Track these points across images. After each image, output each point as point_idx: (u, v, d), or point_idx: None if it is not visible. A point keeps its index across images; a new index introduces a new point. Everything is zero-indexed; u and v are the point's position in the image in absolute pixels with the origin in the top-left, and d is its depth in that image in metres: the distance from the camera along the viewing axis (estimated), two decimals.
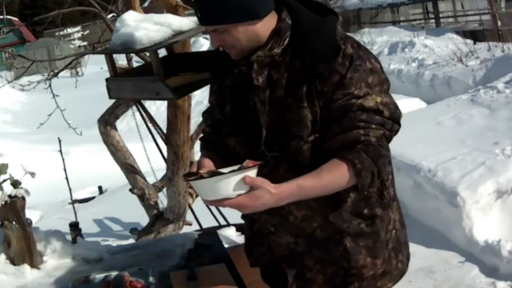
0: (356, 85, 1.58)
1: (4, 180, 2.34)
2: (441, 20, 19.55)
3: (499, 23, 16.74)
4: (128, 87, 3.24)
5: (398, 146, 4.75)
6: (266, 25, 1.64)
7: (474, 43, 13.79)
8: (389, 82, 1.68)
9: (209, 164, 1.70)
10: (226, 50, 1.69)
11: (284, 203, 1.58)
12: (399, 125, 1.65)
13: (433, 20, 19.88)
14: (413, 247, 3.97)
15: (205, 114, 1.93)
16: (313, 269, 1.78)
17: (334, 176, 1.57)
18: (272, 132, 1.67)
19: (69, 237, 2.64)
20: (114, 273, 2.21)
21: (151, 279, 2.11)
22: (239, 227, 3.30)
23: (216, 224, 3.80)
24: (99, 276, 2.18)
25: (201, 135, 1.99)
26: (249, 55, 1.66)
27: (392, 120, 1.62)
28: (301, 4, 1.71)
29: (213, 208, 3.69)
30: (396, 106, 1.65)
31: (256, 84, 1.68)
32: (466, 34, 15.83)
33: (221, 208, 3.80)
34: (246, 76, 1.70)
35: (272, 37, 1.65)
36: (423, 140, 4.91)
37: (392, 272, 1.80)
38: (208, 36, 2.80)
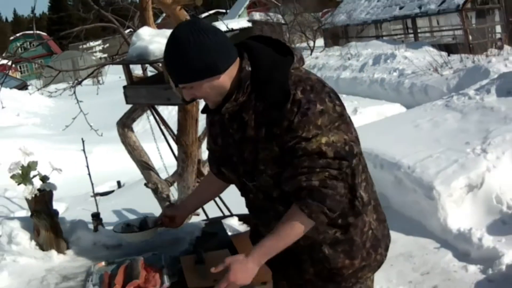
0: (304, 128, 1.55)
1: (34, 176, 2.34)
2: (419, 35, 19.55)
3: (470, 37, 16.77)
4: (143, 94, 3.24)
5: (381, 146, 4.76)
6: (230, 75, 1.63)
7: (448, 55, 13.82)
8: (343, 117, 1.62)
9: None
10: (200, 99, 1.72)
11: (262, 262, 1.67)
12: (347, 160, 1.59)
13: (412, 35, 19.88)
14: (394, 235, 3.96)
15: (208, 139, 1.96)
16: (306, 263, 1.79)
17: (291, 227, 1.63)
18: (249, 166, 1.69)
19: (91, 226, 2.65)
20: (131, 258, 2.21)
21: (163, 262, 2.12)
22: (241, 217, 3.29)
23: (220, 214, 3.78)
24: (118, 260, 2.18)
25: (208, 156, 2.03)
26: (222, 104, 1.66)
27: (338, 159, 1.57)
28: (262, 42, 1.70)
29: (218, 200, 3.68)
30: (345, 143, 1.59)
31: (230, 131, 1.72)
32: (441, 47, 15.84)
33: (225, 200, 3.80)
34: (222, 122, 1.76)
35: (235, 88, 1.63)
36: (403, 140, 4.91)
37: (371, 264, 1.80)
38: None
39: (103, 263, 2.18)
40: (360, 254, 1.75)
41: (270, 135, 1.61)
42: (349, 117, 1.70)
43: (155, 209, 4.43)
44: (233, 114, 1.68)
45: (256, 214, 1.87)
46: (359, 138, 1.73)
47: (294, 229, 1.63)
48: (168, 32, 2.88)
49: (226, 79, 1.63)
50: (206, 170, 3.75)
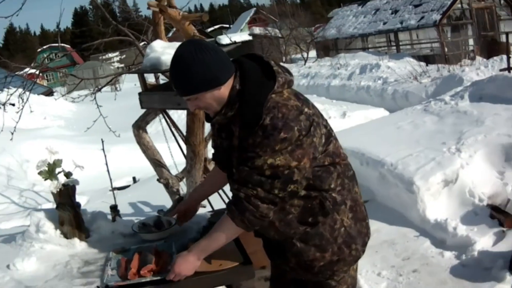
0: (261, 148, 1.59)
1: (59, 172, 2.35)
2: (401, 47, 19.59)
3: (445, 49, 16.81)
4: (156, 99, 3.25)
5: (367, 145, 4.77)
6: (229, 86, 1.66)
7: (427, 65, 13.87)
8: (302, 144, 1.61)
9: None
10: (204, 110, 1.75)
11: (201, 257, 1.81)
12: (282, 181, 1.61)
13: (394, 47, 19.92)
14: (379, 225, 4.00)
15: (212, 138, 1.99)
16: (288, 253, 1.81)
17: (221, 230, 1.76)
18: (232, 168, 1.74)
19: (109, 217, 2.65)
20: (145, 245, 2.21)
21: (173, 248, 2.12)
22: None
23: (224, 206, 3.79)
24: (133, 247, 2.18)
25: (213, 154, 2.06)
26: (215, 115, 1.71)
27: (272, 179, 1.60)
28: (256, 60, 1.72)
29: (221, 192, 3.69)
30: (288, 168, 1.60)
31: (221, 137, 1.78)
32: (420, 58, 15.90)
33: (227, 193, 3.80)
34: (216, 129, 1.82)
35: (225, 103, 1.67)
36: (386, 140, 4.91)
37: (346, 259, 1.80)
38: None
39: (120, 249, 2.18)
40: (331, 249, 1.75)
41: (241, 146, 1.66)
42: (325, 139, 1.72)
43: (166, 201, 4.44)
44: (223, 125, 1.73)
45: None
46: (338, 153, 1.77)
47: (224, 232, 1.75)
48: (178, 44, 2.88)
49: (225, 90, 1.66)
50: (211, 167, 3.75)
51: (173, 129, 3.94)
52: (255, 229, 1.74)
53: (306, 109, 1.66)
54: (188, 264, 1.78)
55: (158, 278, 1.89)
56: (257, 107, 1.60)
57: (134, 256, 2.04)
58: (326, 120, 1.78)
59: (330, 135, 1.75)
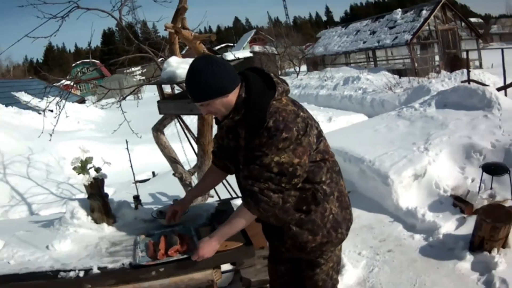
0: (267, 147, 1.60)
1: (90, 168, 2.35)
2: (378, 62, 19.57)
3: (415, 64, 16.79)
4: (171, 106, 3.25)
5: (349, 145, 4.77)
6: (235, 95, 1.66)
7: (399, 78, 13.87)
8: (302, 143, 1.62)
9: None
10: (214, 115, 1.75)
11: (216, 246, 1.79)
12: (288, 177, 1.63)
13: (372, 62, 19.90)
14: (359, 212, 4.01)
15: (215, 137, 1.99)
16: (285, 236, 1.82)
17: (239, 218, 1.76)
18: (237, 166, 1.76)
19: (132, 205, 2.65)
20: (168, 230, 2.21)
21: (193, 232, 2.12)
22: None
23: (229, 196, 3.79)
24: (157, 232, 2.18)
25: (213, 149, 2.05)
26: (223, 119, 1.72)
27: (280, 176, 1.61)
28: (258, 73, 1.72)
29: (227, 184, 3.69)
30: (292, 165, 1.62)
31: (228, 138, 1.78)
32: (394, 71, 15.91)
33: (232, 184, 3.80)
34: (223, 131, 1.83)
35: (233, 109, 1.67)
36: (366, 141, 4.92)
37: (333, 241, 1.81)
38: None
39: (145, 234, 2.18)
40: (321, 232, 1.77)
41: (247, 146, 1.66)
42: (316, 139, 1.72)
43: (180, 192, 4.44)
44: (230, 127, 1.73)
45: None
46: (327, 151, 1.77)
47: (241, 219, 1.74)
48: (190, 60, 2.88)
49: (232, 97, 1.66)
50: None
51: (186, 131, 3.94)
52: (268, 215, 1.72)
53: (301, 113, 1.67)
54: (210, 248, 1.78)
55: (184, 256, 1.90)
56: (261, 112, 1.61)
57: (160, 239, 2.05)
58: (317, 122, 1.79)
59: (320, 135, 1.76)
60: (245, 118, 1.65)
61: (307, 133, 1.64)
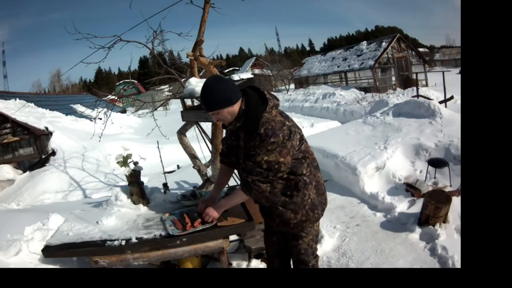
0: (259, 148, 1.60)
1: (130, 162, 2.35)
2: (348, 82, 19.56)
3: (377, 83, 16.76)
4: (191, 115, 3.24)
5: (327, 145, 4.76)
6: (238, 106, 1.66)
7: (365, 93, 13.85)
8: (287, 146, 1.62)
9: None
10: (221, 121, 1.74)
11: (221, 211, 1.92)
12: (274, 172, 1.63)
13: (344, 82, 19.88)
14: (334, 196, 3.99)
15: (223, 140, 1.96)
16: (274, 214, 1.81)
17: (238, 195, 1.78)
18: (239, 160, 1.75)
19: (162, 191, 2.65)
20: (185, 209, 2.21)
21: None
22: None
23: (235, 184, 3.78)
24: (176, 211, 2.18)
25: (221, 150, 2.03)
26: (228, 125, 1.72)
27: (268, 171, 1.62)
28: (255, 90, 1.71)
29: (234, 175, 3.69)
30: (277, 163, 1.62)
31: (231, 139, 1.79)
32: (361, 89, 15.88)
33: (238, 175, 3.79)
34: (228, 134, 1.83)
35: (235, 118, 1.67)
36: (339, 141, 4.91)
37: (311, 219, 1.80)
38: None
39: (168, 213, 2.18)
40: (301, 212, 1.76)
41: (245, 146, 1.67)
42: (299, 141, 1.70)
43: (198, 180, 4.43)
44: (233, 131, 1.74)
45: None
46: (308, 150, 1.76)
47: (237, 198, 1.81)
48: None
49: (236, 108, 1.65)
50: None
51: (202, 134, 3.94)
52: (258, 198, 1.75)
53: (287, 122, 1.67)
54: (214, 212, 1.91)
55: (206, 226, 1.94)
56: (255, 121, 1.61)
57: (184, 216, 2.05)
58: (300, 129, 1.78)
59: (302, 138, 1.75)
60: (245, 125, 1.65)
61: (291, 138, 1.64)
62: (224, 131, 1.94)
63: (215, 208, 1.91)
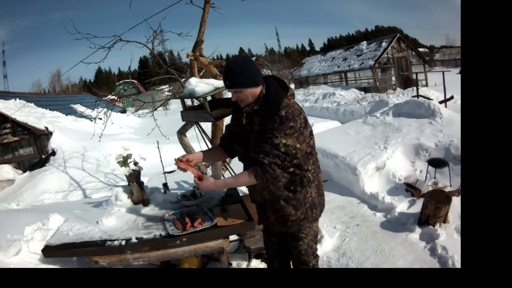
0: (278, 131, 1.58)
1: (130, 162, 2.35)
2: (348, 82, 19.56)
3: (377, 83, 16.76)
4: (191, 115, 3.23)
5: (327, 145, 4.76)
6: (259, 90, 1.66)
7: (365, 94, 13.85)
8: (302, 132, 1.62)
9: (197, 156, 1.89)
10: (239, 101, 1.71)
11: (215, 187, 1.73)
12: (291, 156, 1.61)
13: (344, 82, 19.89)
14: (334, 195, 3.99)
15: (227, 127, 1.94)
16: (269, 212, 1.80)
17: (241, 179, 1.67)
18: (248, 146, 1.72)
19: (162, 191, 2.65)
20: (185, 209, 2.20)
21: (206, 210, 2.12)
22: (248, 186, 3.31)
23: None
24: (176, 211, 2.18)
25: (222, 135, 1.99)
26: (245, 107, 1.69)
27: (285, 155, 1.60)
28: (273, 78, 1.72)
29: (233, 172, 3.69)
30: (294, 148, 1.61)
31: (243, 123, 1.74)
32: (361, 89, 15.88)
33: (237, 173, 3.79)
34: (240, 118, 1.76)
35: (255, 101, 1.66)
36: (339, 141, 4.92)
37: (309, 218, 1.79)
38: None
39: (168, 213, 2.18)
40: (301, 209, 1.76)
41: (261, 130, 1.64)
42: (309, 135, 1.70)
43: None
44: (249, 114, 1.71)
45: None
46: (314, 147, 1.75)
47: (244, 180, 1.67)
48: (206, 80, 2.88)
49: (258, 90, 1.66)
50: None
51: (202, 134, 3.94)
52: (267, 185, 1.66)
53: (302, 113, 1.69)
54: (210, 187, 1.74)
55: (206, 227, 1.93)
56: (276, 105, 1.62)
57: (184, 216, 2.05)
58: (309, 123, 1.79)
59: (311, 133, 1.76)
60: (262, 109, 1.65)
61: (306, 127, 1.65)
62: (222, 131, 1.93)
63: (212, 182, 1.72)
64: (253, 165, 1.64)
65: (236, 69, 1.63)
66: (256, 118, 1.68)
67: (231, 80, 1.64)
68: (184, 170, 1.83)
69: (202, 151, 1.96)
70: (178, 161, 1.84)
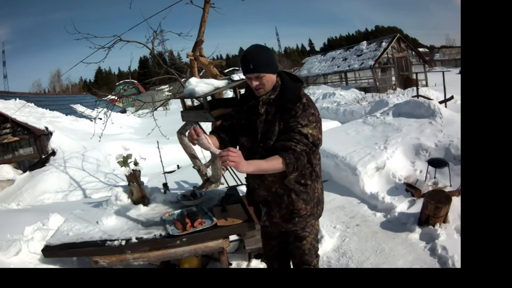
0: (302, 118, 1.58)
1: (130, 162, 2.35)
2: (348, 82, 19.56)
3: (377, 83, 16.76)
4: (191, 115, 3.23)
5: (327, 145, 4.76)
6: (276, 79, 1.68)
7: (365, 94, 13.85)
8: (321, 122, 1.65)
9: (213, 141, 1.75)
10: (257, 88, 1.67)
11: (250, 169, 1.53)
12: (316, 147, 1.61)
13: (344, 82, 19.89)
14: (334, 195, 4.00)
15: (229, 117, 1.88)
16: (274, 210, 1.77)
17: (275, 163, 1.56)
18: (262, 137, 1.67)
19: (162, 190, 2.65)
20: (185, 209, 2.20)
21: (206, 210, 2.12)
22: (247, 186, 3.30)
23: (235, 183, 3.78)
24: (176, 211, 2.18)
25: (221, 124, 1.90)
26: (260, 96, 1.68)
27: (312, 144, 1.60)
28: (285, 73, 1.74)
29: (234, 174, 3.68)
30: (318, 138, 1.61)
31: (259, 112, 1.70)
32: (361, 89, 15.88)
33: (237, 174, 3.79)
34: (255, 107, 1.72)
35: (271, 89, 1.67)
36: (339, 141, 4.91)
37: (315, 214, 1.79)
38: (230, 90, 2.79)
39: (168, 213, 2.18)
40: (311, 204, 1.75)
41: (280, 119, 1.63)
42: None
43: (198, 180, 4.43)
44: (264, 103, 1.69)
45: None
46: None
47: (274, 165, 1.57)
48: (206, 80, 2.88)
49: (275, 77, 1.68)
50: None
51: None
52: (294, 173, 1.59)
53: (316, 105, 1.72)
54: (244, 166, 1.50)
55: (206, 227, 1.92)
56: (296, 93, 1.64)
57: (184, 216, 2.05)
58: None
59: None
60: (281, 97, 1.65)
61: (321, 119, 1.67)
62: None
63: (246, 163, 1.50)
64: (286, 152, 1.56)
65: (261, 54, 1.62)
66: (272, 108, 1.66)
67: (255, 64, 1.61)
68: (205, 146, 1.61)
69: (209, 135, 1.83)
70: (195, 133, 1.60)
